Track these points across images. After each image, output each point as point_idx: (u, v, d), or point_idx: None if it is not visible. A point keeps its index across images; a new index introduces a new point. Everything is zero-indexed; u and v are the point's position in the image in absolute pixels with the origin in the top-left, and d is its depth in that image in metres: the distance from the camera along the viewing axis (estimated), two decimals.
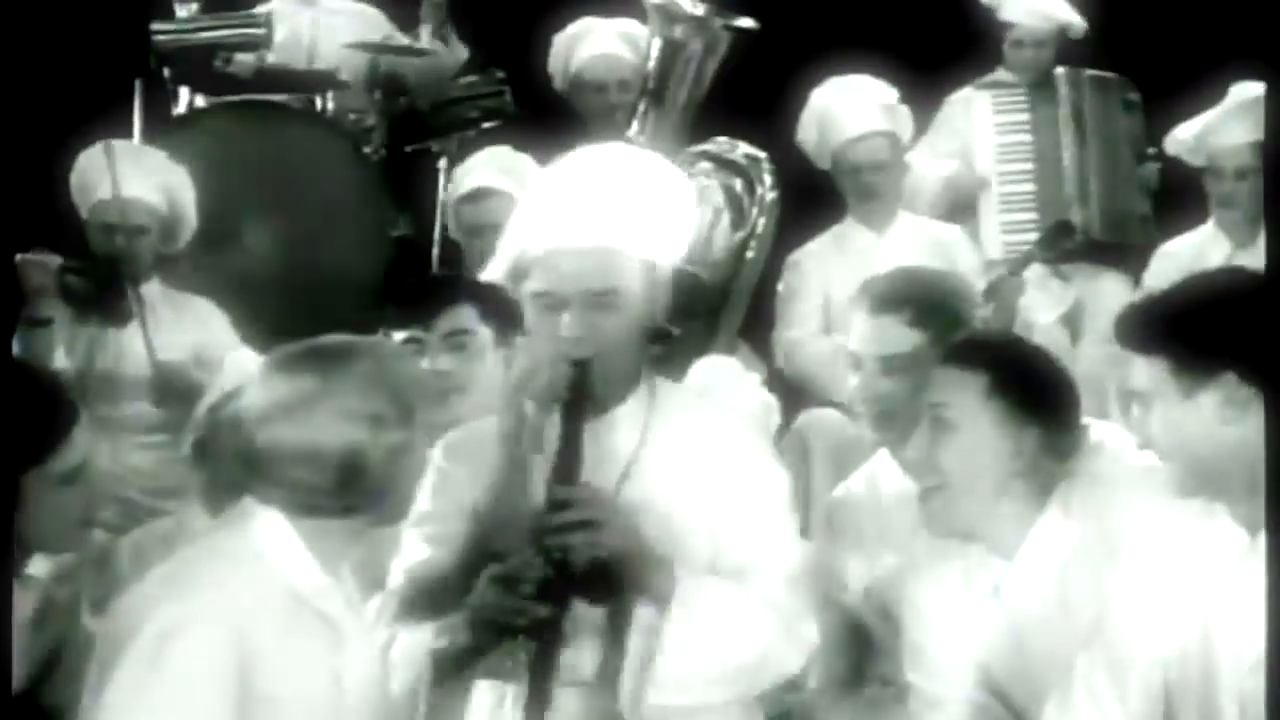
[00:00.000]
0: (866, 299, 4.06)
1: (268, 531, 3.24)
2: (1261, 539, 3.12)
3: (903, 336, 3.99)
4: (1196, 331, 3.15)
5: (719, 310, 5.91)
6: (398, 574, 3.57)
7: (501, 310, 4.18)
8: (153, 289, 5.90)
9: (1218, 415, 3.12)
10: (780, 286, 6.35)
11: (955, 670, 3.58)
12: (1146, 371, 3.18)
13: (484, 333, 4.40)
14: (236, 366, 4.56)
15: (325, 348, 3.29)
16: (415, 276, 6.12)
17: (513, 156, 6.02)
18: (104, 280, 5.77)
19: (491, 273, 3.67)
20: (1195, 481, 3.19)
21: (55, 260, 5.59)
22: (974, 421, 3.52)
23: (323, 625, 3.24)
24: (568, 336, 3.44)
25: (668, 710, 3.38)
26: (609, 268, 3.47)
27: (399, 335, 4.33)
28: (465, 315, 4.38)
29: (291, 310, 6.32)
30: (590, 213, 3.49)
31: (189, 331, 5.86)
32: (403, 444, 3.24)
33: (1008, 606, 3.54)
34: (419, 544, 3.56)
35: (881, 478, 4.13)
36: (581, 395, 3.44)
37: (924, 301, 4.03)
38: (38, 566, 4.22)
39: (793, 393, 6.12)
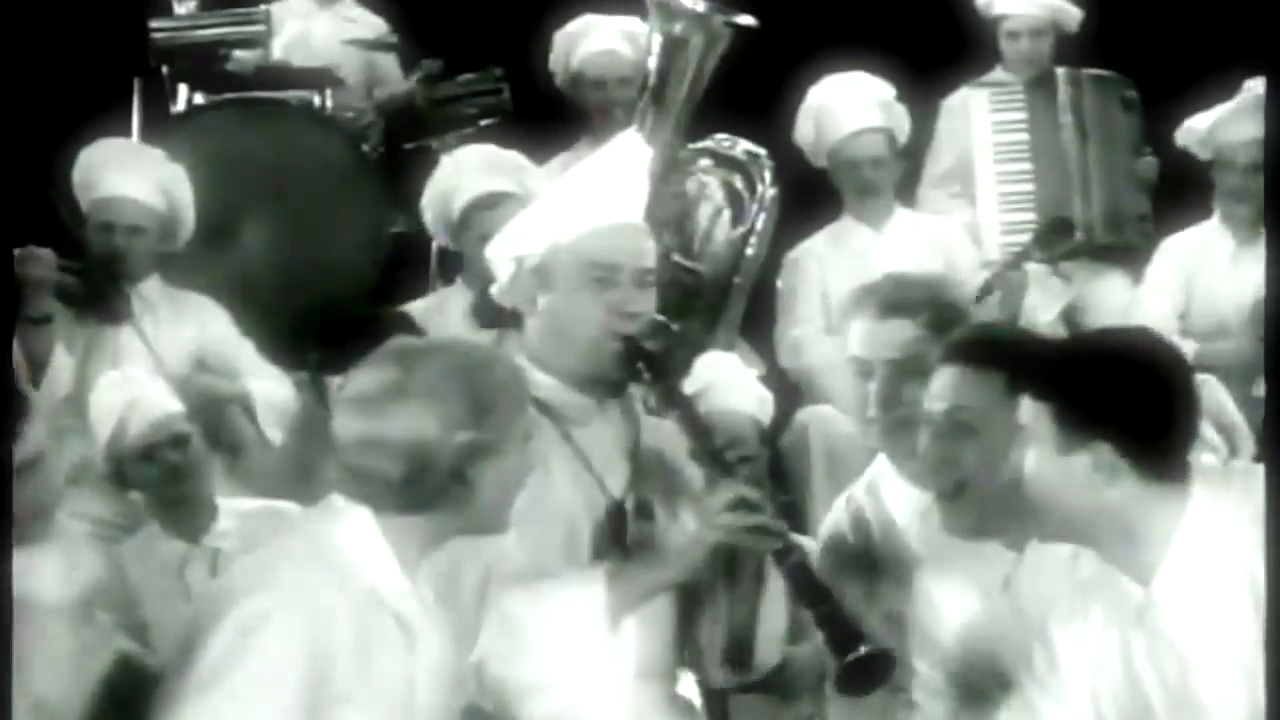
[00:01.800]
0: (873, 304, 4.03)
1: (352, 528, 3.25)
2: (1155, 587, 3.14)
3: (918, 339, 3.98)
4: (1081, 392, 3.14)
5: (718, 306, 5.92)
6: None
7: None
8: (152, 287, 5.90)
9: (1088, 478, 3.12)
10: (779, 284, 6.36)
11: (962, 659, 3.58)
12: (1030, 409, 3.16)
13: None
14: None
15: (410, 345, 3.35)
16: (342, 318, 6.10)
17: (507, 155, 5.98)
18: (101, 280, 5.77)
19: (524, 244, 3.68)
20: (1061, 532, 3.22)
21: (50, 254, 5.59)
22: (991, 421, 3.52)
23: (399, 627, 3.25)
24: (628, 311, 3.55)
25: None
26: (652, 248, 3.63)
27: (338, 379, 4.28)
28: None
29: (290, 307, 6.32)
30: (639, 193, 3.65)
31: (189, 329, 5.87)
32: (477, 445, 3.23)
33: (1015, 597, 3.54)
34: None
35: (886, 496, 4.10)
36: (660, 364, 3.58)
37: (936, 304, 4.03)
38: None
39: (790, 390, 6.13)
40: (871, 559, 4.00)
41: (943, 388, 3.60)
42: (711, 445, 3.55)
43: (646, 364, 3.58)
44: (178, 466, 5.00)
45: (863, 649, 3.39)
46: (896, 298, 4.03)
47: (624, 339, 3.57)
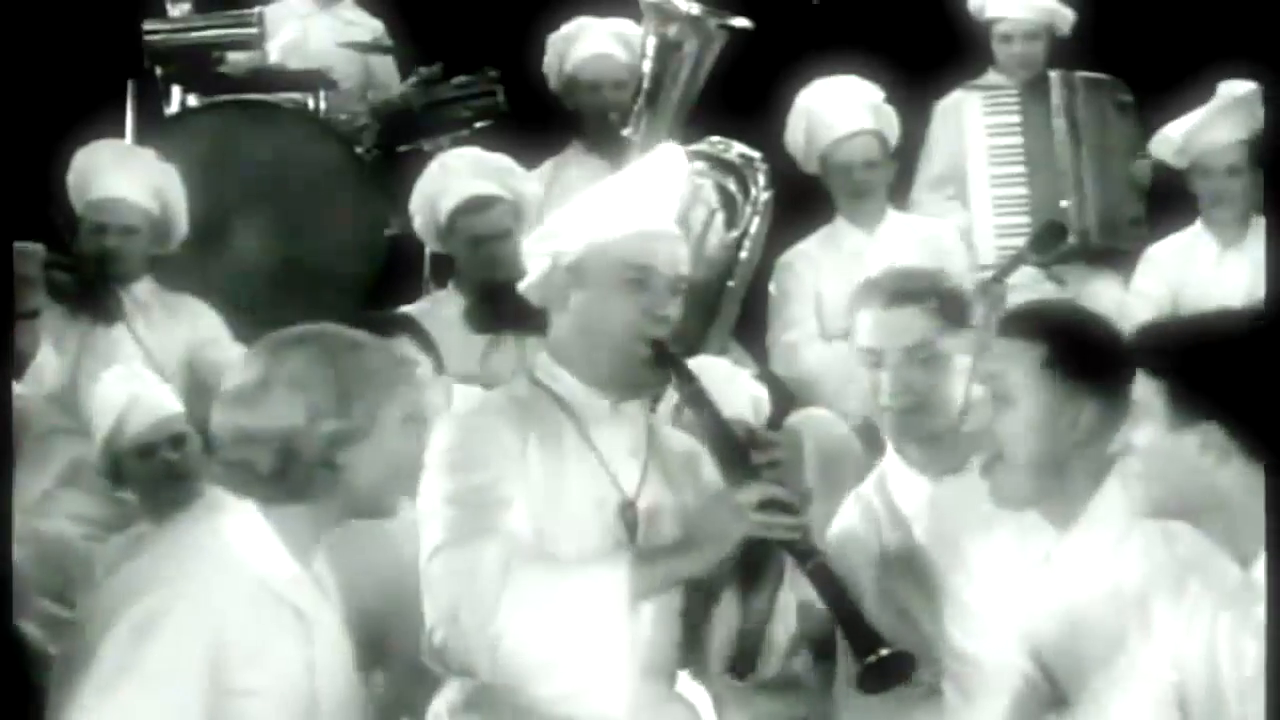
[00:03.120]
0: (880, 294, 4.06)
1: (237, 521, 3.27)
2: (1255, 570, 3.13)
3: (927, 325, 4.01)
4: (1195, 372, 3.13)
5: (712, 310, 5.92)
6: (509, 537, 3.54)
7: (433, 344, 4.50)
8: (144, 288, 5.91)
9: (1197, 457, 3.12)
10: (772, 288, 6.35)
11: (997, 630, 3.58)
12: (1145, 385, 3.17)
13: (425, 362, 4.49)
14: None
15: (279, 336, 3.34)
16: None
17: (493, 159, 5.98)
18: (91, 278, 5.77)
19: (562, 241, 3.71)
20: (1166, 508, 3.21)
21: (40, 250, 5.59)
22: (1031, 393, 3.51)
23: (293, 616, 3.27)
24: (658, 315, 3.62)
25: None
26: (686, 256, 3.71)
27: None
28: (406, 347, 4.42)
29: (284, 309, 6.30)
30: (676, 205, 3.73)
31: (181, 330, 5.87)
32: (345, 432, 3.26)
33: (1058, 578, 3.54)
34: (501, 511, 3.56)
35: (894, 488, 4.12)
36: (687, 368, 3.65)
37: (941, 291, 4.06)
38: None
39: (783, 394, 6.13)
40: (881, 554, 4.03)
41: (990, 358, 3.61)
42: (736, 447, 3.59)
43: (674, 368, 3.63)
44: (175, 466, 5.00)
45: (884, 650, 3.42)
46: (903, 287, 4.06)
47: (652, 342, 3.62)
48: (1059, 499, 3.54)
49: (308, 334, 3.34)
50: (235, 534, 3.26)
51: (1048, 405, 3.50)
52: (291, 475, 3.25)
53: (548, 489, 3.54)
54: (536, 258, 3.75)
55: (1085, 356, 3.52)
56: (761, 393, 5.00)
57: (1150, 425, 3.16)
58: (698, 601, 3.67)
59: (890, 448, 4.14)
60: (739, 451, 3.59)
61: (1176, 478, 3.15)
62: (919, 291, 4.04)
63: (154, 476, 5.02)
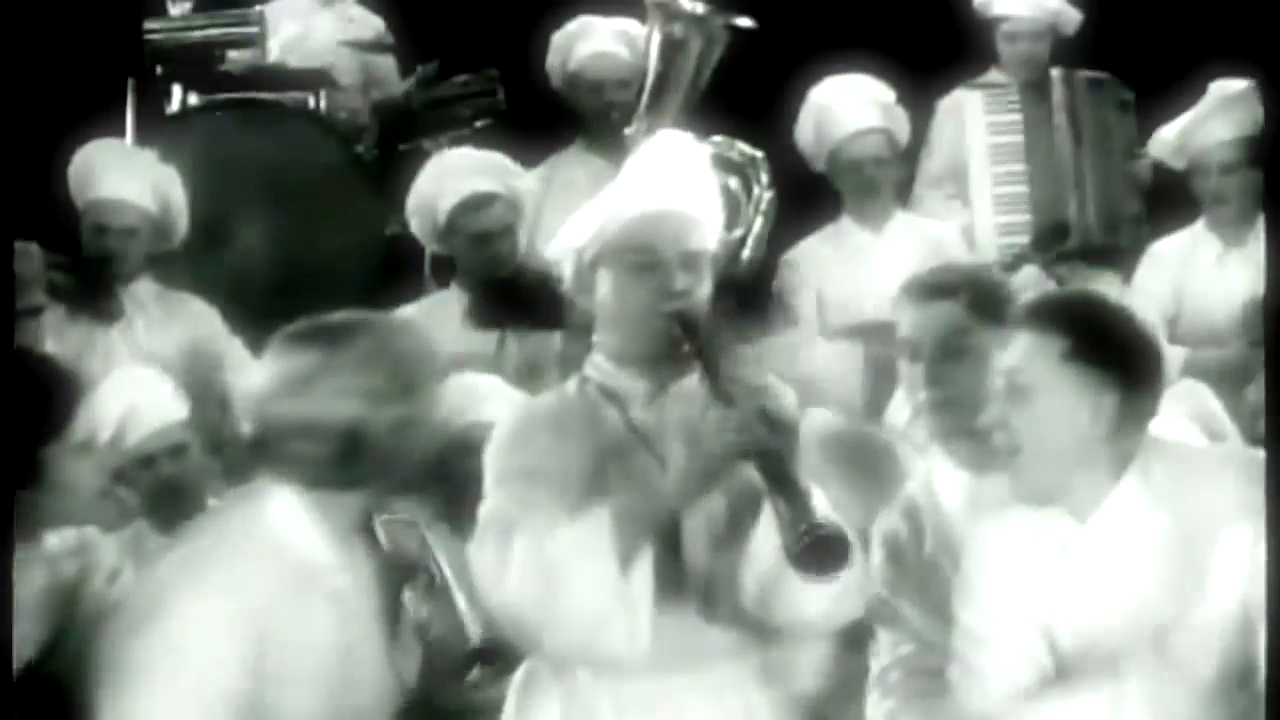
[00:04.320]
0: (916, 290, 4.08)
1: (279, 508, 3.29)
2: None
3: (961, 319, 4.01)
4: None
5: (715, 309, 5.91)
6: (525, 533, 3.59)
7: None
8: (145, 288, 5.91)
9: None
10: (775, 286, 6.35)
11: (1007, 613, 3.58)
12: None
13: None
14: None
15: (327, 325, 3.38)
16: None
17: (490, 157, 5.98)
18: (91, 279, 5.77)
19: (572, 239, 3.77)
20: None
21: (37, 250, 5.60)
22: (1050, 386, 3.48)
23: (332, 601, 3.30)
24: (672, 290, 3.66)
25: None
26: (700, 232, 3.75)
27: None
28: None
29: (284, 309, 6.26)
30: (682, 182, 3.77)
31: (180, 330, 5.86)
32: (406, 418, 3.31)
33: (1076, 568, 3.53)
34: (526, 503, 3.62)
35: (938, 483, 4.12)
36: (703, 337, 3.68)
37: (977, 285, 4.07)
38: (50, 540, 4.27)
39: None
40: (926, 551, 4.03)
41: (1009, 351, 3.61)
42: (767, 466, 3.61)
43: (689, 336, 3.67)
44: (173, 478, 4.98)
45: (821, 530, 3.47)
46: (940, 281, 4.08)
47: (667, 315, 3.67)
48: (1077, 491, 3.52)
49: (358, 321, 3.40)
50: (279, 521, 3.28)
51: (1068, 398, 3.46)
52: (354, 463, 3.29)
53: (594, 477, 3.62)
54: (564, 260, 3.82)
55: (1107, 348, 3.48)
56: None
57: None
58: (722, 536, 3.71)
59: (935, 445, 4.14)
60: (748, 426, 3.61)
61: None
62: (954, 286, 4.05)
63: (153, 487, 5.00)
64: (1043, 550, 3.57)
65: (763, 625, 3.70)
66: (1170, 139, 6.32)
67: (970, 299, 4.02)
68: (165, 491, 4.97)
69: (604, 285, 3.74)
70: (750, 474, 3.61)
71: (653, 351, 3.72)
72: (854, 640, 4.00)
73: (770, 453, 3.57)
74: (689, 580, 3.66)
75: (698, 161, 3.90)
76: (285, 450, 3.29)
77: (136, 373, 5.26)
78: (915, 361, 4.05)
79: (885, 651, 3.89)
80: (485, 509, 3.61)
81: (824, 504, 3.61)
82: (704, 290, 3.74)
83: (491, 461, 3.66)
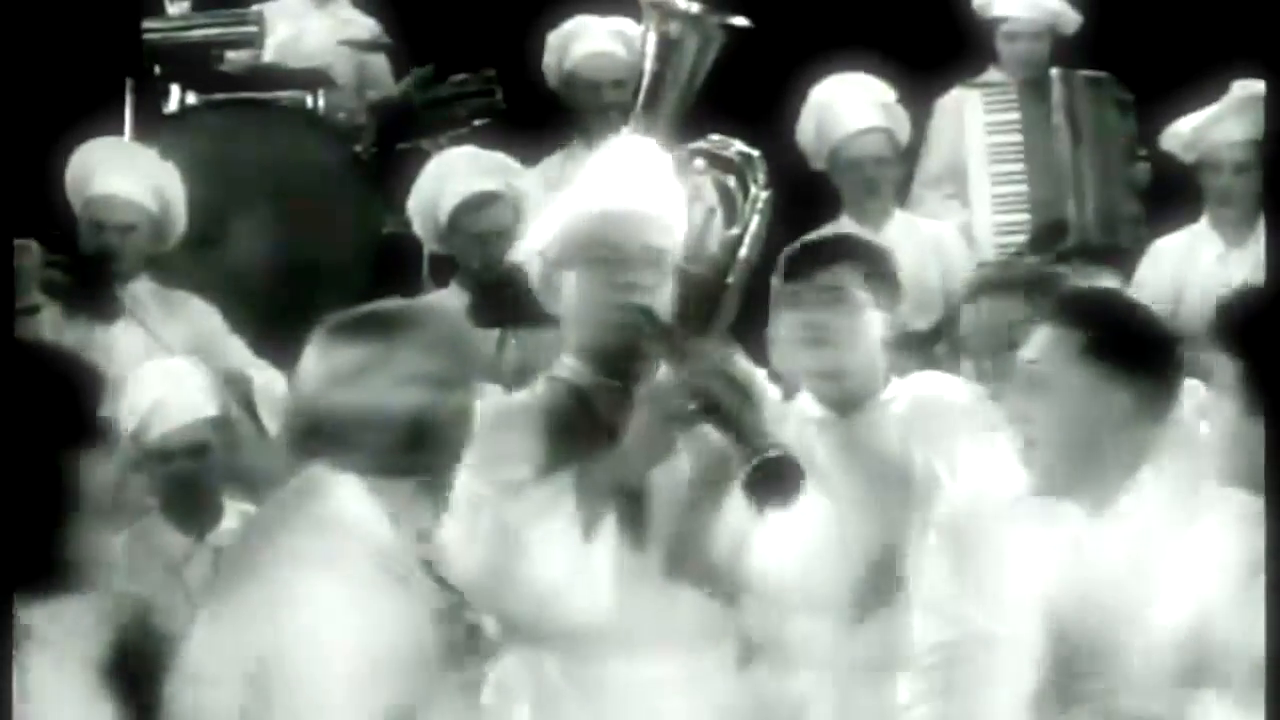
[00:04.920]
0: (982, 285, 4.12)
1: (345, 496, 3.33)
2: None
3: (1022, 315, 4.04)
4: (1272, 359, 3.11)
5: (711, 307, 5.90)
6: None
7: (885, 274, 4.43)
8: (143, 286, 5.91)
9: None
10: (774, 283, 6.33)
11: (1017, 609, 3.58)
12: (1222, 362, 3.14)
13: (864, 291, 4.46)
14: None
15: (386, 313, 3.43)
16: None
17: (492, 157, 5.98)
18: (89, 276, 5.77)
19: (536, 241, 3.81)
20: (1242, 483, 3.23)
21: (36, 247, 5.60)
22: (1065, 379, 3.49)
23: (399, 584, 3.34)
24: (625, 281, 3.78)
25: None
26: (662, 229, 3.93)
27: (784, 286, 4.56)
28: (844, 274, 4.46)
29: (282, 308, 6.31)
30: (644, 182, 3.95)
31: (181, 329, 5.86)
32: (466, 404, 3.38)
33: (1086, 562, 3.53)
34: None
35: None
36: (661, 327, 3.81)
37: (1039, 282, 4.10)
38: None
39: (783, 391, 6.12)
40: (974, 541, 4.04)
41: (1029, 344, 3.61)
42: (715, 406, 3.67)
43: (654, 332, 3.77)
44: (192, 474, 5.01)
45: (770, 455, 3.51)
46: (1002, 277, 4.09)
47: (632, 311, 3.76)
48: (1092, 485, 3.52)
49: (410, 309, 3.49)
50: (344, 506, 3.33)
51: (1082, 391, 3.46)
52: (417, 450, 3.33)
53: (562, 476, 3.64)
54: (530, 262, 3.90)
55: (1125, 343, 3.48)
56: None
57: (1226, 402, 3.13)
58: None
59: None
60: (715, 409, 3.67)
61: (1248, 460, 3.14)
62: (1016, 281, 4.08)
63: (170, 483, 5.01)
64: (1054, 544, 3.57)
65: (734, 589, 3.71)
66: (1184, 133, 6.32)
67: (1031, 293, 4.06)
68: (179, 488, 4.99)
69: (569, 284, 3.80)
70: (717, 437, 3.64)
71: (620, 347, 3.77)
72: None
73: (725, 406, 3.62)
74: (655, 546, 3.69)
75: (659, 163, 4.06)
76: (348, 440, 3.33)
77: (171, 365, 5.30)
78: (978, 359, 4.08)
79: (927, 636, 3.88)
80: (455, 491, 3.61)
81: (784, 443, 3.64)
82: (668, 287, 3.86)
83: (464, 456, 3.66)
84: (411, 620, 3.35)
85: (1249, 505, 3.23)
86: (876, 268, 4.43)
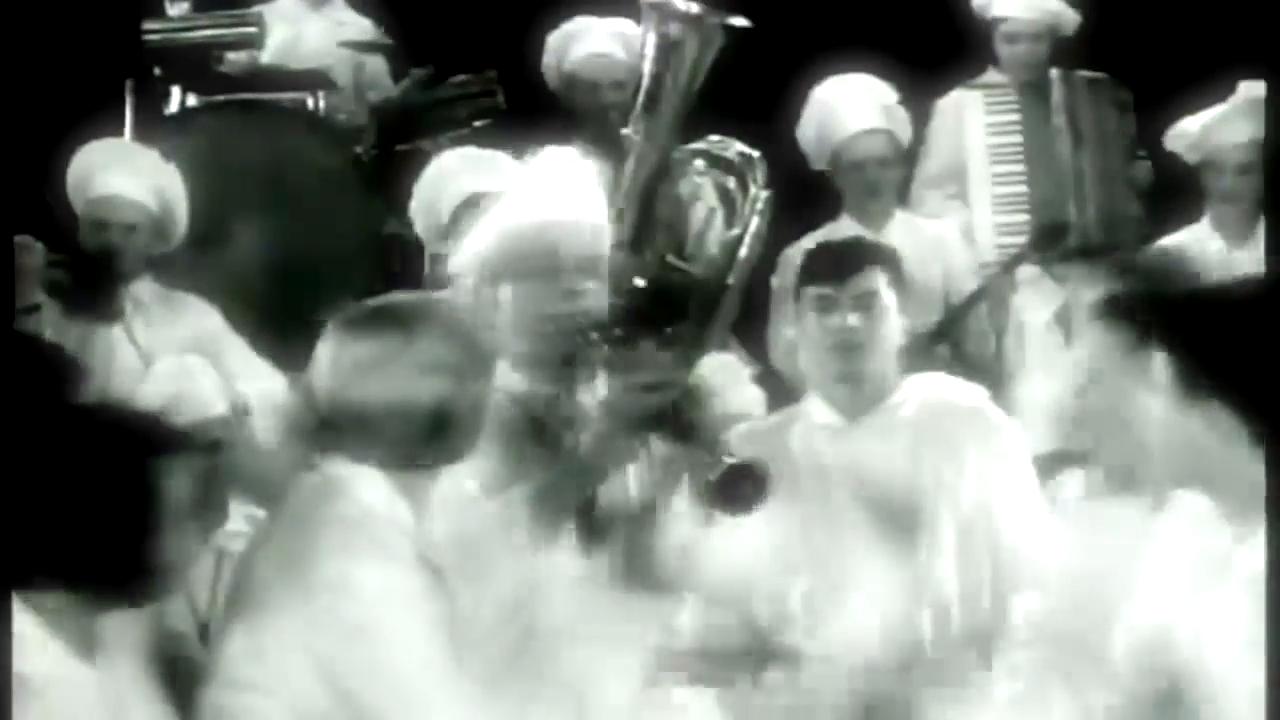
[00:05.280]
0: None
1: (369, 491, 3.34)
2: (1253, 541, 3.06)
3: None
4: (1204, 348, 3.05)
5: (711, 308, 5.91)
6: None
7: (903, 278, 4.47)
8: (145, 287, 5.91)
9: (1202, 435, 3.05)
10: (774, 282, 6.34)
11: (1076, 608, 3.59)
12: (1157, 357, 3.12)
13: (890, 296, 4.46)
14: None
15: (402, 304, 3.46)
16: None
17: (494, 155, 5.99)
18: (90, 276, 5.78)
19: (471, 253, 3.85)
20: (1176, 481, 3.18)
21: (38, 246, 5.60)
22: (1117, 378, 3.44)
23: (427, 569, 3.34)
24: (565, 289, 3.82)
25: None
26: (596, 237, 3.93)
27: (812, 290, 4.48)
28: (875, 278, 4.45)
29: (282, 309, 6.32)
30: (575, 192, 3.94)
31: (182, 329, 5.86)
32: (484, 394, 3.40)
33: (1151, 558, 3.51)
34: None
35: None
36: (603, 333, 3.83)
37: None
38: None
39: (782, 391, 6.12)
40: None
41: (1082, 344, 3.62)
42: (672, 413, 3.70)
43: (594, 338, 3.80)
44: (206, 471, 5.01)
45: (731, 461, 3.55)
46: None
47: (571, 318, 3.81)
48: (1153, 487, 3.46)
49: (423, 302, 3.51)
50: (371, 498, 3.34)
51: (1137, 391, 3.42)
52: (438, 440, 3.35)
53: (506, 485, 3.66)
54: (466, 272, 3.94)
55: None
56: (759, 394, 5.03)
57: (1157, 399, 3.11)
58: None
59: None
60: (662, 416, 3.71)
61: (1181, 453, 3.10)
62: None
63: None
64: (1120, 539, 3.57)
65: (680, 594, 3.77)
66: (1190, 132, 6.32)
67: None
68: (194, 484, 4.99)
69: (506, 295, 3.85)
70: (665, 447, 3.68)
71: (559, 356, 3.82)
72: None
73: (681, 412, 3.65)
74: (608, 557, 3.73)
75: (586, 173, 4.07)
76: (370, 432, 3.34)
77: (185, 362, 5.30)
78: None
79: (1022, 632, 3.88)
80: None
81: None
82: (604, 293, 3.87)
83: None
84: (448, 613, 3.35)
85: (1202, 505, 3.22)
86: (897, 272, 4.44)
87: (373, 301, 3.53)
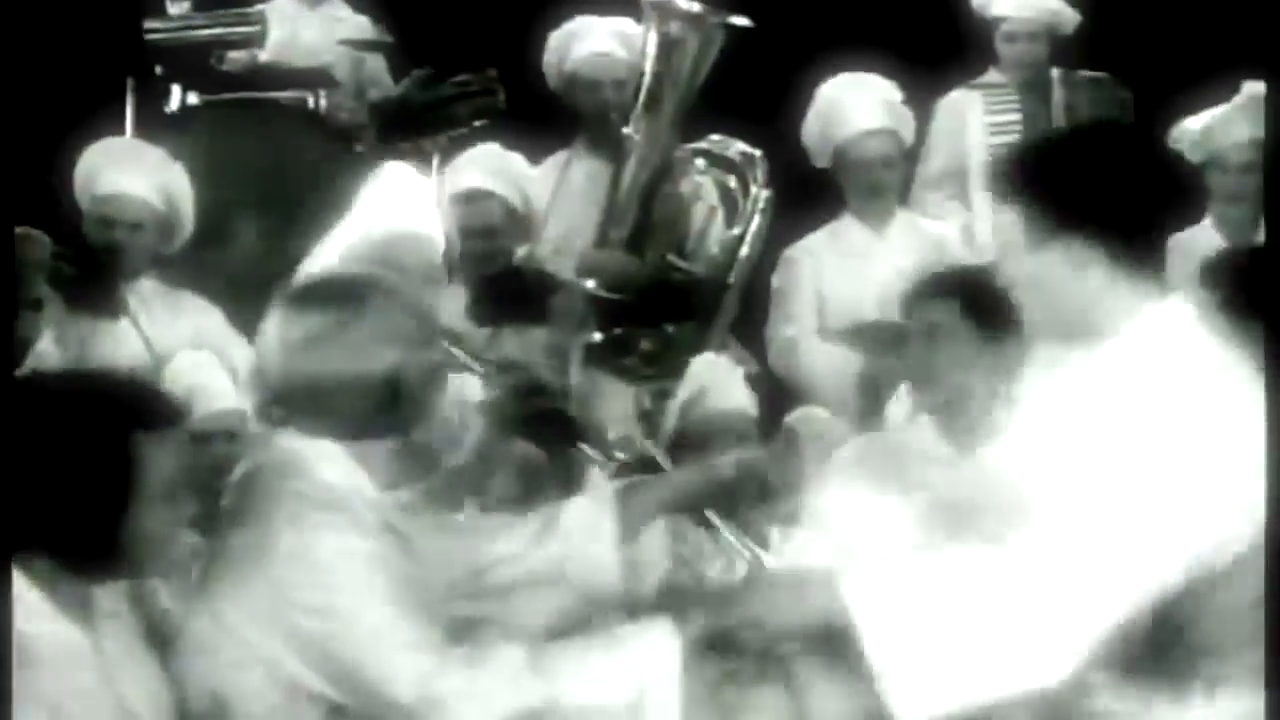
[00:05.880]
0: None
1: (328, 465, 3.36)
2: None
3: None
4: (1049, 187, 3.13)
5: (712, 307, 5.93)
6: None
7: (985, 304, 4.37)
8: (147, 286, 5.91)
9: (1059, 273, 3.11)
10: (774, 282, 6.34)
11: None
12: (1003, 212, 3.18)
13: (962, 324, 4.47)
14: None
15: (345, 279, 3.50)
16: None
17: (504, 156, 6.03)
18: (95, 270, 5.78)
19: (317, 268, 3.91)
20: (1046, 330, 3.21)
21: (44, 238, 5.62)
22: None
23: (391, 534, 3.36)
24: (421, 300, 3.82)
25: None
26: (437, 248, 4.00)
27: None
28: (945, 308, 4.48)
29: None
30: (416, 205, 4.01)
31: (184, 328, 5.86)
32: (435, 363, 3.44)
33: None
34: None
35: None
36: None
37: None
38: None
39: (781, 391, 6.13)
40: None
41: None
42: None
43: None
44: (225, 459, 5.04)
45: (620, 458, 3.73)
46: None
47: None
48: None
49: (369, 275, 3.50)
50: (332, 475, 3.36)
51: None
52: (393, 411, 3.38)
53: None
54: None
55: None
56: (750, 394, 5.05)
57: (1012, 253, 3.16)
58: None
59: None
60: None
61: (1044, 298, 3.15)
62: None
63: (203, 466, 5.06)
64: None
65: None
66: (1194, 131, 6.31)
67: None
68: (211, 473, 5.01)
69: None
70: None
71: None
72: None
73: (552, 417, 3.77)
74: None
75: (423, 187, 4.19)
76: (323, 404, 3.36)
77: (200, 357, 5.37)
78: None
79: None
80: None
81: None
82: (441, 302, 3.96)
83: None
84: (415, 575, 3.37)
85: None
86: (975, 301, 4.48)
87: (318, 275, 3.57)
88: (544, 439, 3.77)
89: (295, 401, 3.40)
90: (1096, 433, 3.07)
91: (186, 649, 3.37)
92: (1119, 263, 3.13)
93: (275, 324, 3.46)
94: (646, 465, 3.69)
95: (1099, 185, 3.12)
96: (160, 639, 3.43)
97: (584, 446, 3.78)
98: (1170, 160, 3.27)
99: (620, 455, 3.66)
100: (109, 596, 3.29)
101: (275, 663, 3.28)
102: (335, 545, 3.26)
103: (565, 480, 3.92)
